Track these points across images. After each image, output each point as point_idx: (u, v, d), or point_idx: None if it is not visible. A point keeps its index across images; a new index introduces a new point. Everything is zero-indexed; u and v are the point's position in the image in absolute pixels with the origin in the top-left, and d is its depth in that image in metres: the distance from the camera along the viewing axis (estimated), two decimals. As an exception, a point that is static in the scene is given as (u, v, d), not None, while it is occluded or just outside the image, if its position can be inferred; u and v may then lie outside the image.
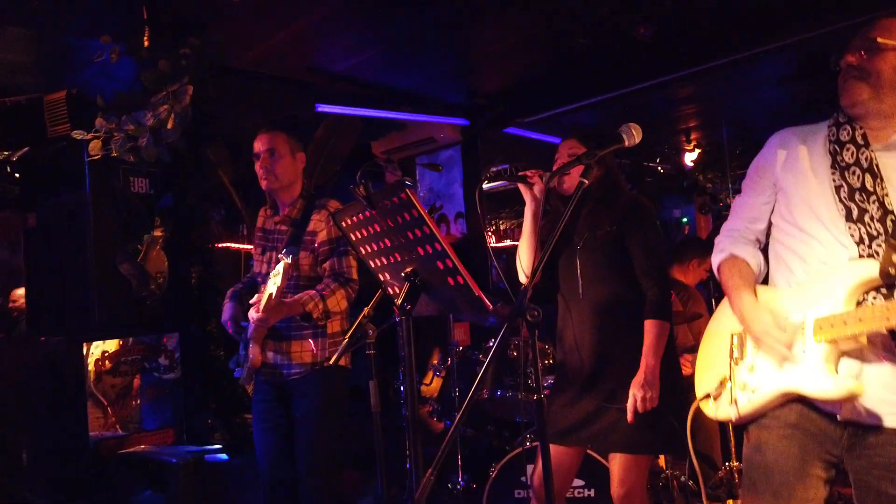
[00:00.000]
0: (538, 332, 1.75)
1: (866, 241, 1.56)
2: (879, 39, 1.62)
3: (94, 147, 2.99)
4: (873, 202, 1.57)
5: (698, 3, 3.53)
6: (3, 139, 3.39)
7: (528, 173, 2.40)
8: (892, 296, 1.53)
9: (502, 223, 9.05)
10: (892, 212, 1.56)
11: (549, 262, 2.42)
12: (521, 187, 2.43)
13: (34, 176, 3.43)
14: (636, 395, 2.23)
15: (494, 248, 7.35)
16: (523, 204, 2.50)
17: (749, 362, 1.74)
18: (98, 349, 3.34)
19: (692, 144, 6.92)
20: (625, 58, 4.22)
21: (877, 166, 1.60)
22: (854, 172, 1.62)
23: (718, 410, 1.80)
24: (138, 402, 3.44)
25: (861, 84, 1.62)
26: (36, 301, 3.52)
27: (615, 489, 2.38)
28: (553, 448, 2.30)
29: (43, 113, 3.16)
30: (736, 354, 1.78)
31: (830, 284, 1.59)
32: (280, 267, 2.43)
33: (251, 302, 2.62)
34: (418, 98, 4.98)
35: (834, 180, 1.64)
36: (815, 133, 1.75)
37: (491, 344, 3.72)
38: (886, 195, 1.57)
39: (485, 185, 2.45)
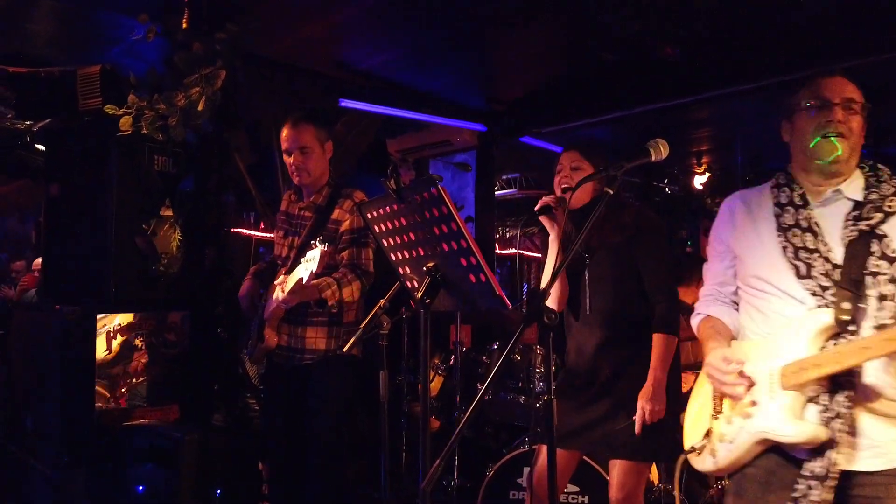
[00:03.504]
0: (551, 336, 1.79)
1: (819, 293, 1.66)
2: (857, 100, 1.71)
3: (125, 123, 3.04)
4: (817, 258, 1.68)
5: (725, 29, 3.59)
6: (34, 109, 3.44)
7: (550, 203, 2.39)
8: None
9: (508, 231, 9.11)
10: (836, 265, 1.66)
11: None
12: (545, 220, 2.43)
13: (61, 147, 3.47)
14: (644, 408, 2.28)
15: (498, 255, 7.39)
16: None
17: (726, 415, 1.80)
18: (109, 322, 3.39)
19: (703, 168, 6.99)
20: (645, 77, 4.28)
21: (815, 224, 1.72)
22: (796, 234, 1.73)
23: (701, 463, 1.85)
24: (144, 377, 3.49)
25: (844, 142, 1.70)
26: (51, 270, 3.56)
27: (614, 493, 2.42)
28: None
29: (75, 86, 3.21)
30: (716, 409, 1.84)
31: (793, 334, 1.68)
32: (316, 253, 2.46)
33: (276, 283, 2.67)
34: (438, 100, 5.04)
35: (780, 242, 1.75)
36: (759, 196, 1.87)
37: (496, 346, 3.77)
38: (830, 251, 1.68)
39: (496, 193, 2.49)
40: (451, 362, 4.00)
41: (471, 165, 5.11)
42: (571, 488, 3.03)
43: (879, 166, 1.76)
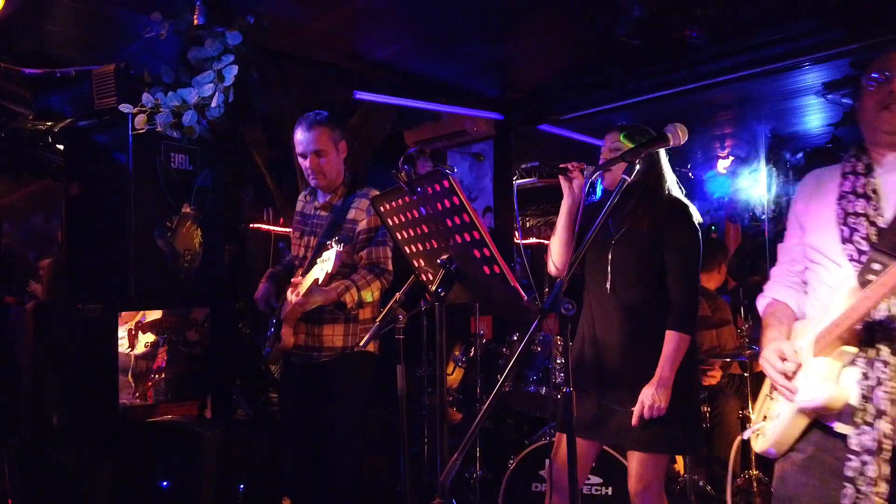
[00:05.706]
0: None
1: (856, 257, 1.65)
2: None
3: (141, 121, 3.05)
4: (862, 222, 1.67)
5: (746, 9, 3.50)
6: (52, 110, 3.47)
7: (569, 166, 2.39)
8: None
9: (528, 220, 9.05)
10: (882, 229, 1.64)
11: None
12: (561, 180, 2.42)
13: (79, 147, 3.51)
14: (644, 402, 2.24)
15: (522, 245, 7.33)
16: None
17: (777, 395, 1.80)
18: (131, 319, 3.42)
19: (726, 152, 6.85)
20: (665, 61, 4.19)
21: (873, 190, 1.70)
22: (850, 199, 1.72)
23: (757, 444, 1.86)
24: (166, 374, 3.52)
25: None
26: (73, 268, 3.61)
27: (632, 485, 2.39)
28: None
29: (91, 85, 3.23)
30: (772, 388, 1.84)
31: (829, 302, 1.68)
32: (332, 254, 2.44)
33: (293, 281, 2.65)
34: (454, 90, 4.99)
35: (836, 208, 1.74)
36: (833, 170, 1.85)
37: (515, 337, 3.74)
38: (880, 215, 1.66)
39: (516, 182, 2.46)
40: (472, 354, 3.97)
41: (484, 155, 5.05)
42: (595, 479, 2.99)
43: None
